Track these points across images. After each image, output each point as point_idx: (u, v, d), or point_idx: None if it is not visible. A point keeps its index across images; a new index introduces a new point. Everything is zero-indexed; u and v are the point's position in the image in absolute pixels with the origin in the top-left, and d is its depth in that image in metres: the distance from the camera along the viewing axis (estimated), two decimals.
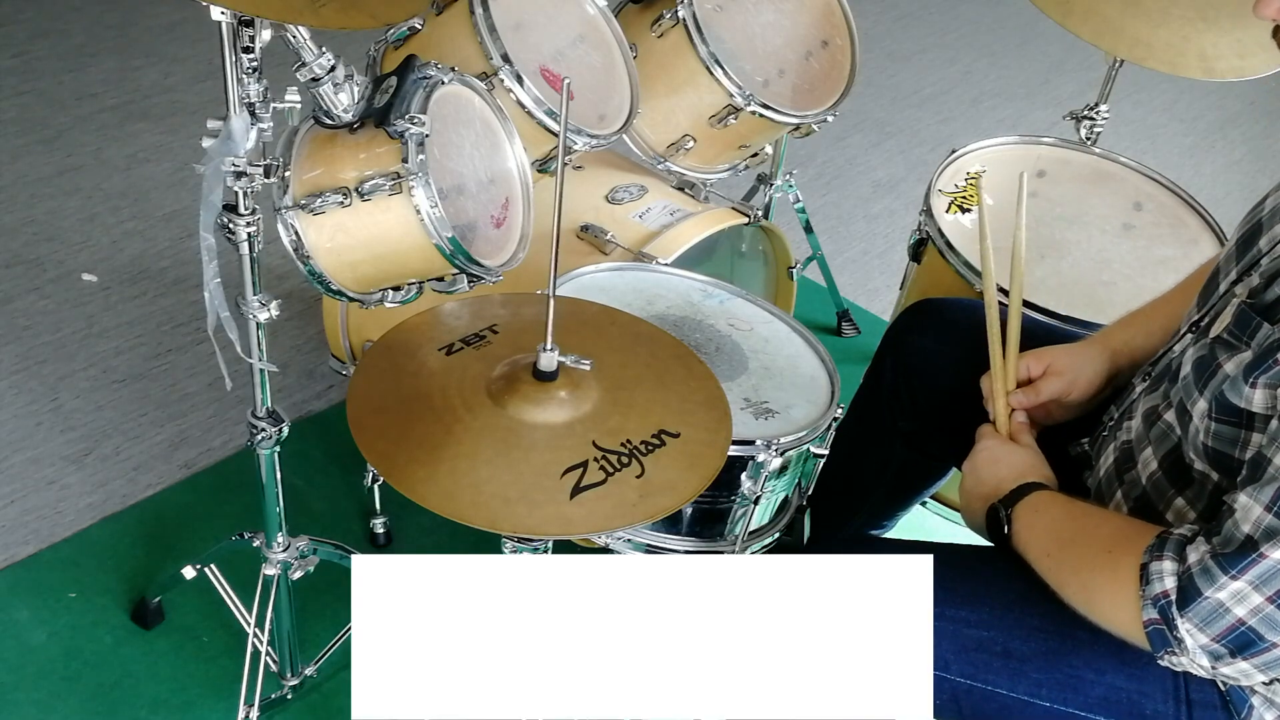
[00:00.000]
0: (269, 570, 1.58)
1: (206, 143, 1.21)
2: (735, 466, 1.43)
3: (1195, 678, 1.10)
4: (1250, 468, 1.02)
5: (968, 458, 1.34)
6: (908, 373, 1.56)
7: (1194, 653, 1.01)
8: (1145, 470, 1.19)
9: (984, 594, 1.19)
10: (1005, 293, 1.51)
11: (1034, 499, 1.21)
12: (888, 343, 1.61)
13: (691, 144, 1.93)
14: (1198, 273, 1.39)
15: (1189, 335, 1.20)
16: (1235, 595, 0.98)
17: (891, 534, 1.85)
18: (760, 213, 1.97)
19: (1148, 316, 1.39)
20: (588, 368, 1.17)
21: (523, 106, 1.57)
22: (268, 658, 1.62)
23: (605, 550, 1.58)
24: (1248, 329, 1.04)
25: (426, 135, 1.27)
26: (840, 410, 1.52)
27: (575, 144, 1.65)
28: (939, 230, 1.81)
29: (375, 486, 1.92)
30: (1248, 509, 0.99)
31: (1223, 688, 1.13)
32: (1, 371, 2.20)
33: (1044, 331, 1.49)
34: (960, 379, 1.49)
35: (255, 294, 1.34)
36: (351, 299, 1.38)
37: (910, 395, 1.56)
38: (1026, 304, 1.68)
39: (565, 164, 1.25)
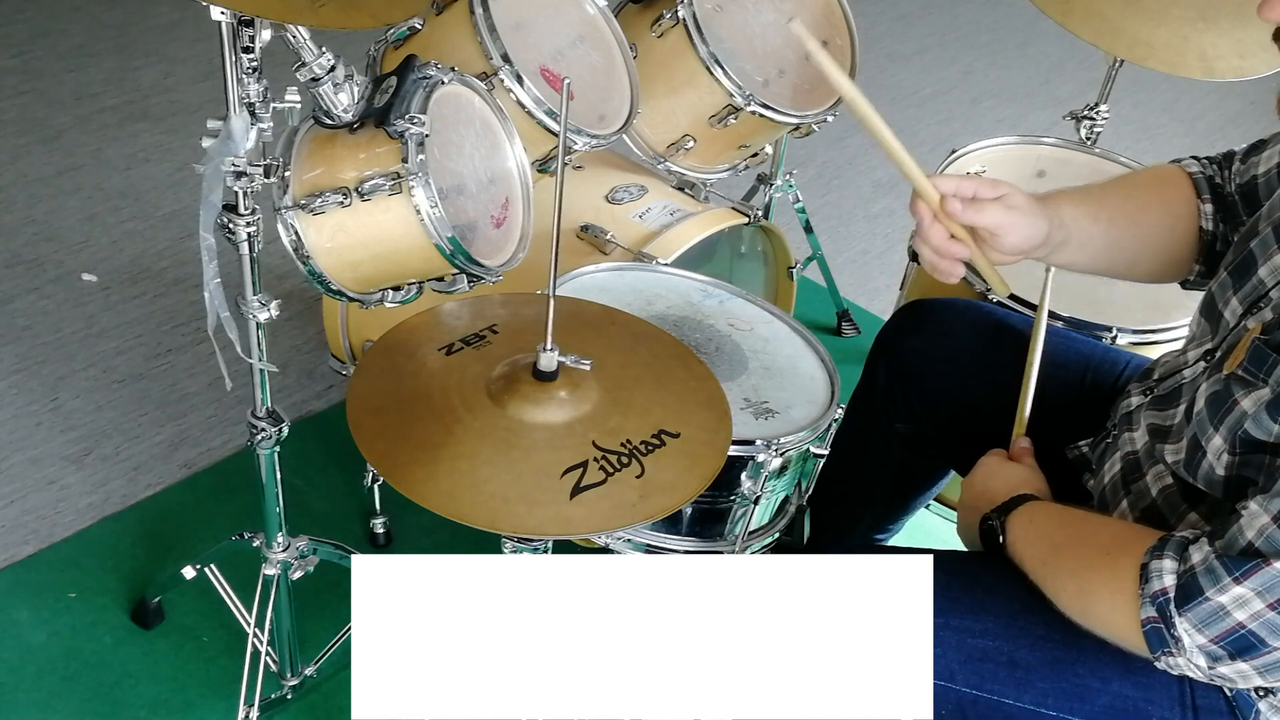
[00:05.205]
0: (269, 570, 1.58)
1: (206, 143, 1.21)
2: (735, 466, 1.43)
3: (1201, 685, 1.10)
4: (1265, 477, 1.02)
5: (967, 476, 1.34)
6: (901, 375, 1.55)
7: (1191, 653, 1.01)
8: (1158, 483, 1.19)
9: (988, 603, 1.19)
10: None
11: (1027, 509, 1.21)
12: (880, 345, 1.61)
13: (691, 144, 1.93)
14: (1143, 175, 1.40)
15: (1201, 364, 1.20)
16: (1237, 600, 0.98)
17: (897, 538, 1.85)
18: (760, 213, 1.97)
19: (1098, 202, 1.32)
20: (588, 368, 1.17)
21: (523, 106, 1.57)
22: (268, 658, 1.62)
23: (605, 550, 1.58)
24: (1264, 366, 1.04)
25: (426, 135, 1.27)
26: (840, 410, 1.52)
27: (575, 144, 1.65)
28: None
29: (375, 486, 1.92)
30: (1255, 516, 0.98)
31: (1229, 694, 1.13)
32: (1, 371, 2.20)
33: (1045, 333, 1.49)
34: (955, 380, 1.49)
35: (255, 294, 1.34)
36: (351, 299, 1.38)
37: (905, 397, 1.55)
38: (1023, 302, 1.68)
39: (565, 164, 1.25)
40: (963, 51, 3.94)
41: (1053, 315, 1.64)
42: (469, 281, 1.38)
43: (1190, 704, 1.13)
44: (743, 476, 1.44)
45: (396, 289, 1.40)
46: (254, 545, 1.60)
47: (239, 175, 1.23)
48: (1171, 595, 1.01)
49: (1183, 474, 1.13)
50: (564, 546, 1.71)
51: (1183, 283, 1.37)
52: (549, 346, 1.15)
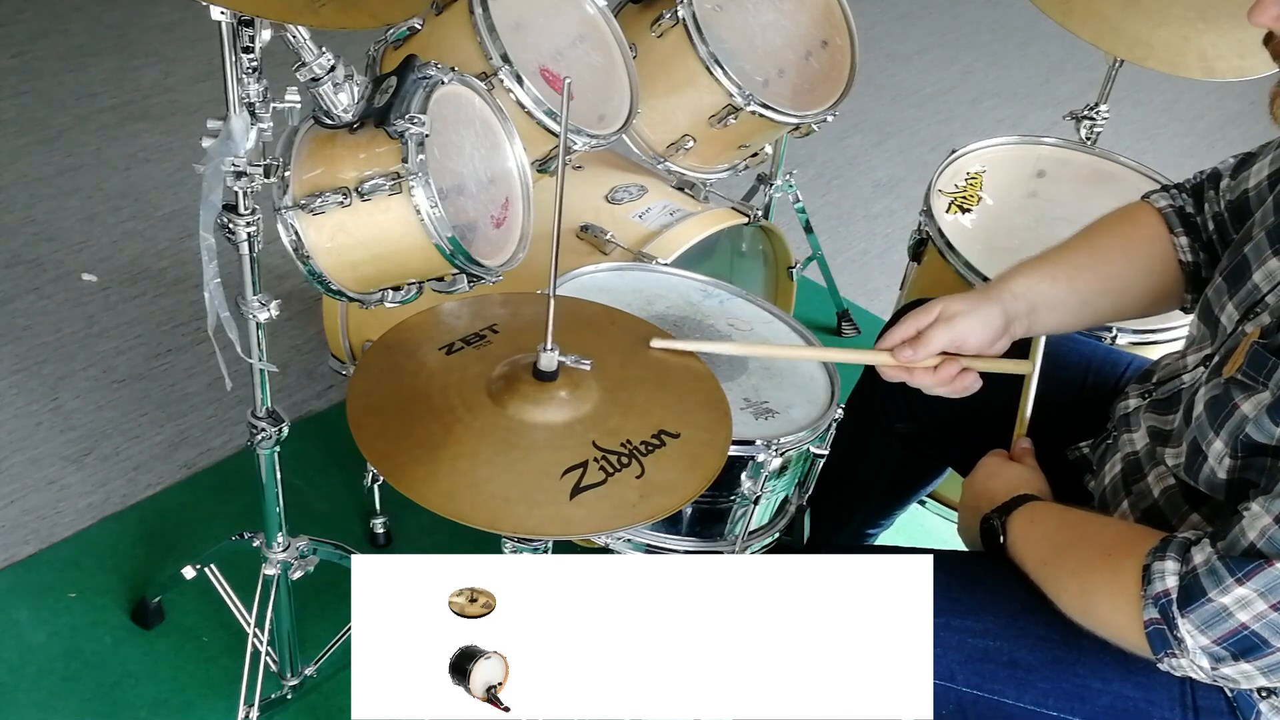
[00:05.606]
0: (269, 570, 1.58)
1: (206, 143, 1.21)
2: (735, 466, 1.43)
3: (1202, 685, 1.10)
4: (1267, 479, 1.02)
5: (968, 476, 1.34)
6: None
7: (1194, 654, 1.01)
8: (1159, 483, 1.19)
9: (989, 603, 1.19)
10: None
11: (1029, 509, 1.21)
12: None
13: (691, 144, 1.93)
14: (1106, 223, 1.36)
15: (1201, 369, 1.20)
16: (1240, 601, 0.98)
17: (890, 531, 1.86)
18: (760, 213, 1.97)
19: (1053, 263, 1.32)
20: (588, 368, 1.17)
21: (523, 106, 1.57)
22: (268, 658, 1.62)
23: (605, 550, 1.58)
24: (1263, 370, 1.04)
25: (426, 135, 1.27)
26: (840, 410, 1.52)
27: (575, 144, 1.65)
28: (939, 230, 1.80)
29: (375, 486, 1.92)
30: (1256, 517, 0.98)
31: (1230, 694, 1.13)
32: (1, 371, 2.20)
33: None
34: None
35: (255, 294, 1.34)
36: (351, 299, 1.38)
37: (905, 397, 1.55)
38: None
39: (565, 164, 1.25)
40: (963, 51, 3.94)
41: None
42: (469, 281, 1.38)
43: (1191, 704, 1.13)
44: (743, 476, 1.44)
45: (396, 289, 1.40)
46: (254, 545, 1.60)
47: (239, 175, 1.23)
48: (1174, 596, 1.01)
49: (1183, 477, 1.13)
50: (564, 546, 1.71)
51: (1181, 308, 1.37)
52: (549, 346, 1.15)
